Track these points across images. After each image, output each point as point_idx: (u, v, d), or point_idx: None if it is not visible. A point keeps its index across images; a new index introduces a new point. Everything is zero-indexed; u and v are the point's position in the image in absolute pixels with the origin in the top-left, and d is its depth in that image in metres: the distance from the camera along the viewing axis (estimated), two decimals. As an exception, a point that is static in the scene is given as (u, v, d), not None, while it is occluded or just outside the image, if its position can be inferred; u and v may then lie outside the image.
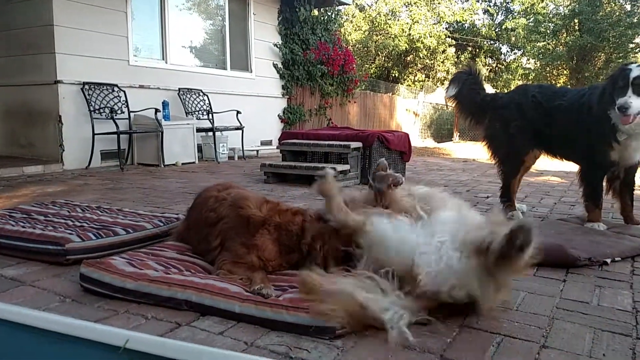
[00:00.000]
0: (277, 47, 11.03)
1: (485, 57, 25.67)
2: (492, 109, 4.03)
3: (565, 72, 19.26)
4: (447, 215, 2.10)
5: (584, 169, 3.68)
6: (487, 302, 1.85)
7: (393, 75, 24.09)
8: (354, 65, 13.29)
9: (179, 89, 8.61)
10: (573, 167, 3.92)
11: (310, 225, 2.25)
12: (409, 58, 24.22)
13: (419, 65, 24.52)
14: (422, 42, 22.79)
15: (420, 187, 2.42)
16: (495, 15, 25.82)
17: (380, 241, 1.98)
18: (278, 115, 11.27)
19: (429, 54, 23.71)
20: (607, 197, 3.71)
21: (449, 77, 22.97)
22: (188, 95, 8.76)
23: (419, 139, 18.71)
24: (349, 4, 15.71)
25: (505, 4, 25.09)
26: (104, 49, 7.51)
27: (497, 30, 25.06)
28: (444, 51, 23.81)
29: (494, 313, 1.96)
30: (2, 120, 7.71)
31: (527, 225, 1.71)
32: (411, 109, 19.90)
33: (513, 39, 23.37)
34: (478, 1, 25.11)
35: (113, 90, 7.51)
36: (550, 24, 19.43)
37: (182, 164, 7.86)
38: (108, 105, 7.31)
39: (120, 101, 7.55)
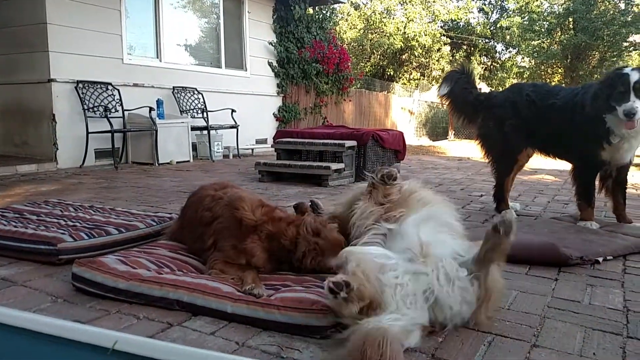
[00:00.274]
0: (272, 45, 11.01)
1: (480, 56, 25.70)
2: (486, 107, 4.04)
3: (559, 70, 19.30)
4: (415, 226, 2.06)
5: (577, 167, 3.70)
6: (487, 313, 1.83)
7: (388, 73, 24.09)
8: (349, 64, 13.30)
9: (174, 88, 8.59)
10: (567, 165, 3.93)
11: (304, 240, 2.18)
12: (404, 56, 24.23)
13: (414, 63, 24.53)
14: (417, 41, 22.79)
15: (407, 181, 2.40)
16: (490, 13, 25.86)
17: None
18: (273, 114, 11.26)
19: (424, 53, 23.72)
20: (600, 196, 3.73)
21: (444, 74, 22.99)
22: (183, 94, 8.74)
23: (414, 138, 18.74)
24: (344, 3, 15.71)
25: (500, 2, 25.13)
26: (98, 47, 7.48)
27: (492, 28, 25.09)
28: (439, 49, 23.83)
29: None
30: (-5, 118, 7.68)
31: (508, 218, 1.68)
32: (406, 108, 19.92)
33: (508, 37, 23.40)
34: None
35: (107, 89, 7.48)
36: (544, 23, 19.47)
37: (177, 162, 7.84)
38: (102, 103, 7.29)
39: (114, 100, 7.52)
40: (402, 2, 23.97)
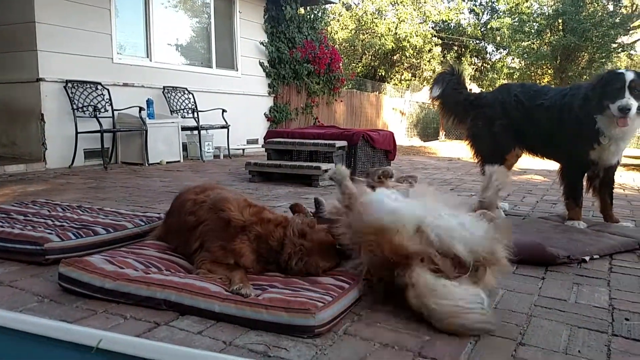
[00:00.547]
0: (263, 45, 11.00)
1: (471, 57, 25.81)
2: (475, 107, 4.06)
3: (549, 71, 19.42)
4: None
5: (565, 167, 3.73)
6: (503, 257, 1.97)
7: (380, 74, 24.13)
8: (341, 64, 13.31)
9: (164, 87, 8.55)
10: (555, 165, 3.96)
11: (290, 242, 2.19)
12: (395, 57, 24.28)
13: (406, 64, 24.59)
14: (409, 41, 22.85)
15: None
16: (480, 14, 25.97)
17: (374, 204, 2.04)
18: (264, 114, 11.24)
19: (415, 53, 23.78)
20: (588, 196, 3.76)
21: (435, 76, 23.06)
22: (173, 94, 8.71)
23: (406, 138, 18.79)
24: (336, 3, 15.72)
25: (490, 3, 25.23)
26: (87, 46, 7.43)
27: (482, 29, 25.21)
28: (430, 50, 23.90)
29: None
30: (-17, 118, 7.61)
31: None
32: (398, 108, 19.98)
33: (498, 38, 23.52)
34: (464, 0, 25.22)
35: (96, 89, 7.44)
36: (534, 24, 19.60)
37: (167, 162, 7.81)
38: (91, 103, 7.24)
39: (103, 99, 7.48)
40: (393, 3, 24.01)
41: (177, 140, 8.09)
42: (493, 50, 26.27)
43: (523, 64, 21.07)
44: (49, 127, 6.97)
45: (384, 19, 23.64)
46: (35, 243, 2.50)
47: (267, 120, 11.29)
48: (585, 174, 3.67)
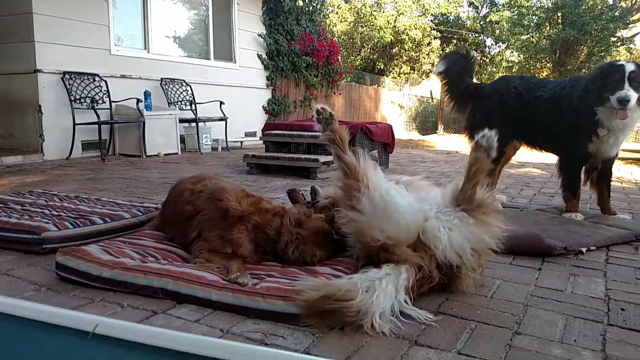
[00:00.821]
0: (261, 37, 10.96)
1: (470, 50, 25.76)
2: (475, 98, 4.03)
3: (548, 65, 19.42)
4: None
5: (563, 160, 3.73)
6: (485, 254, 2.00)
7: (378, 67, 24.08)
8: (339, 57, 13.27)
9: (162, 79, 8.53)
10: (553, 159, 3.96)
11: (287, 230, 2.21)
12: (394, 50, 24.22)
13: (404, 57, 24.54)
14: (408, 34, 22.79)
15: (403, 176, 2.46)
16: (480, 7, 25.92)
17: (385, 207, 1.99)
18: (262, 107, 11.22)
19: (414, 46, 23.72)
20: (585, 188, 3.77)
21: (434, 70, 23.06)
22: (171, 86, 8.68)
23: (404, 132, 18.77)
24: (334, -5, 15.69)
25: (490, -4, 25.20)
26: (85, 38, 7.40)
27: (481, 23, 25.16)
28: (429, 43, 23.84)
29: (469, 299, 1.99)
30: (-20, 109, 7.58)
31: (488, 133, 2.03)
32: (396, 102, 19.94)
33: (497, 31, 23.48)
34: (463, -7, 25.18)
35: (94, 80, 7.42)
36: (533, 17, 19.58)
37: (165, 154, 7.80)
38: (89, 95, 7.22)
39: (101, 91, 7.46)
40: (392, -5, 23.93)
41: (174, 132, 8.07)
42: (492, 44, 26.26)
43: (522, 58, 21.07)
44: (46, 119, 6.95)
45: (383, 12, 23.56)
46: (32, 232, 2.49)
47: (266, 113, 11.27)
48: (584, 167, 3.67)
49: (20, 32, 6.87)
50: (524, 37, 19.54)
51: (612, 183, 3.78)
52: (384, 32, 22.68)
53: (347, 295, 1.71)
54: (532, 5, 20.63)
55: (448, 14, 24.96)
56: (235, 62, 10.44)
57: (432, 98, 20.94)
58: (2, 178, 5.22)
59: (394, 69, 24.62)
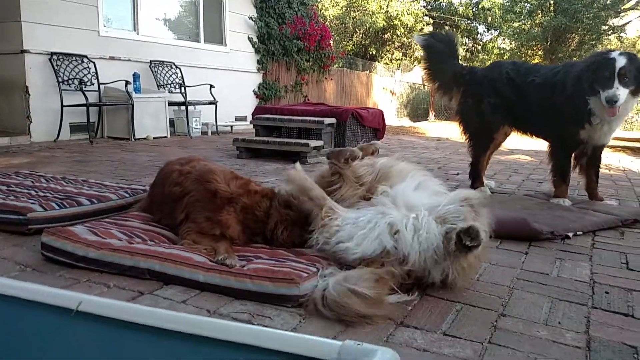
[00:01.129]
0: (252, 20, 10.84)
1: (462, 37, 25.67)
2: (466, 83, 4.01)
3: (539, 53, 19.42)
4: (412, 190, 2.12)
5: (554, 145, 3.72)
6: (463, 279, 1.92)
7: (370, 53, 23.95)
8: (331, 42, 13.17)
9: (151, 62, 8.42)
10: (543, 146, 3.97)
11: (276, 211, 2.22)
12: (386, 36, 24.09)
13: (397, 43, 24.43)
14: (400, 20, 22.66)
15: (380, 159, 2.42)
16: (472, -6, 25.80)
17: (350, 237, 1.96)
18: (253, 91, 11.14)
19: (406, 32, 23.60)
20: (574, 175, 3.78)
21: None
22: (160, 68, 8.58)
23: (396, 118, 18.75)
24: (327, -21, 15.54)
25: (483, -18, 25.05)
26: (73, 18, 7.28)
27: (474, 9, 25.07)
28: (421, 29, 23.73)
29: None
30: (-35, 90, 7.46)
31: (475, 228, 1.74)
32: (388, 88, 19.88)
33: (489, 18, 23.42)
34: (456, -21, 25.04)
35: (82, 61, 7.31)
36: (526, 4, 19.51)
37: (154, 138, 7.74)
38: (77, 76, 7.12)
39: (89, 72, 7.36)
40: (385, -20, 23.73)
41: (164, 115, 8.00)
42: (484, 31, 26.19)
43: (514, 45, 21.04)
44: (33, 100, 6.85)
45: (376, -3, 23.37)
46: (18, 213, 2.47)
47: (256, 97, 11.19)
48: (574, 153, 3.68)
49: (7, 11, 6.73)
50: (515, 24, 19.50)
51: (600, 170, 3.80)
52: (377, 17, 22.53)
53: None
54: (525, -9, 20.55)
55: (441, 0, 24.84)
56: (225, 45, 10.33)
57: (423, 85, 20.90)
58: (-12, 159, 5.16)
59: (385, 54, 24.51)
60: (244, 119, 10.27)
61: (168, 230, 2.35)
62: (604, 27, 18.31)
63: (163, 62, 8.64)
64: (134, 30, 8.44)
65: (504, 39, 22.86)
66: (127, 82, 7.32)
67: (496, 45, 24.01)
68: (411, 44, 24.13)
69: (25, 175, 3.57)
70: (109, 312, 1.06)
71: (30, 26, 6.76)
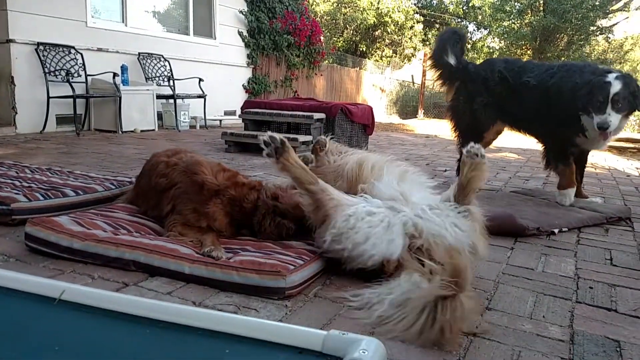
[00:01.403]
0: (242, 14, 10.78)
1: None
2: (461, 80, 4.00)
3: (528, 52, 19.53)
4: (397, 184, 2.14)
5: (549, 142, 3.68)
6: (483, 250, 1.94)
7: (361, 49, 23.93)
8: (321, 37, 13.15)
9: (139, 54, 8.35)
10: (530, 144, 3.97)
11: (264, 204, 2.21)
12: (377, 33, 24.08)
13: (387, 40, 24.42)
14: (391, 17, 22.66)
15: (355, 151, 2.44)
16: (463, -8, 25.86)
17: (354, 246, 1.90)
18: (243, 85, 11.09)
19: (397, 30, 23.61)
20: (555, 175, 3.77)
21: (416, 54, 23.05)
22: (148, 60, 8.51)
23: (385, 115, 18.78)
24: (318, -26, 15.49)
25: (473, -20, 25.11)
26: (61, 8, 7.18)
27: (464, 8, 25.14)
28: (411, 27, 23.76)
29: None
30: (-51, 79, 7.34)
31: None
32: (378, 85, 19.90)
33: (480, 17, 23.49)
34: (447, -23, 25.08)
35: (70, 52, 7.23)
36: (516, 3, 19.60)
37: (141, 131, 7.67)
38: (64, 67, 7.04)
39: (77, 64, 7.28)
40: (376, -23, 23.70)
41: (152, 108, 7.93)
42: (474, 29, 26.27)
43: (503, 44, 21.14)
44: (19, 91, 6.76)
45: (366, -7, 23.34)
46: (2, 203, 2.44)
47: (246, 92, 11.13)
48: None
49: (-8, 0, 6.64)
50: (505, 23, 19.59)
51: (585, 169, 3.83)
52: (367, 13, 22.50)
53: None
54: (515, -9, 20.64)
55: (431, -2, 24.88)
56: (215, 39, 10.27)
57: (413, 82, 20.95)
58: (-28, 150, 5.08)
59: (376, 51, 24.50)
60: (233, 113, 10.22)
61: (154, 222, 2.33)
62: (592, 28, 18.45)
63: (151, 54, 8.57)
64: (123, 21, 8.35)
65: (493, 38, 22.96)
66: (114, 74, 7.25)
67: (486, 44, 24.10)
68: (401, 42, 24.16)
69: (10, 166, 3.53)
70: (92, 301, 1.05)
71: (16, 15, 6.66)
